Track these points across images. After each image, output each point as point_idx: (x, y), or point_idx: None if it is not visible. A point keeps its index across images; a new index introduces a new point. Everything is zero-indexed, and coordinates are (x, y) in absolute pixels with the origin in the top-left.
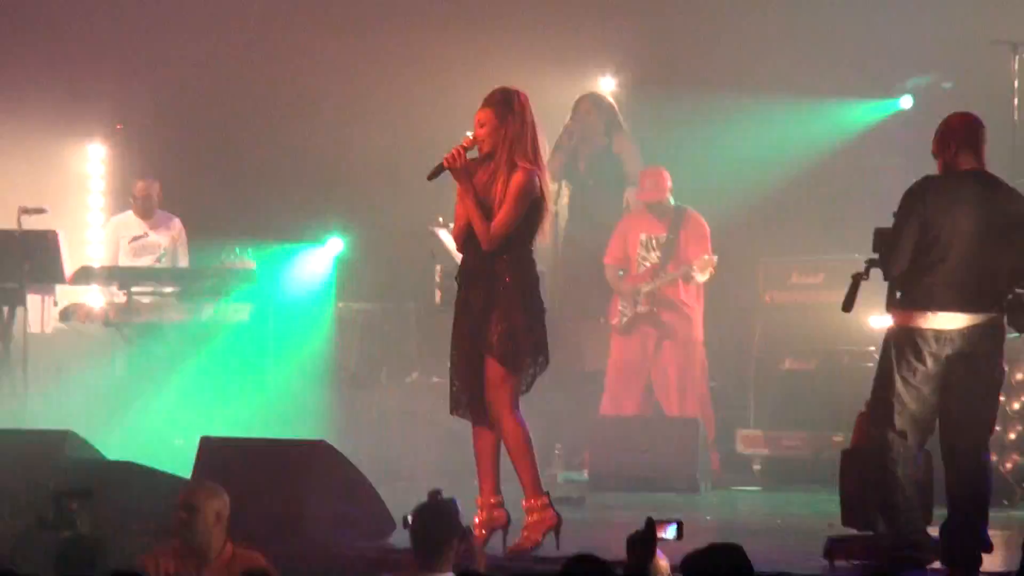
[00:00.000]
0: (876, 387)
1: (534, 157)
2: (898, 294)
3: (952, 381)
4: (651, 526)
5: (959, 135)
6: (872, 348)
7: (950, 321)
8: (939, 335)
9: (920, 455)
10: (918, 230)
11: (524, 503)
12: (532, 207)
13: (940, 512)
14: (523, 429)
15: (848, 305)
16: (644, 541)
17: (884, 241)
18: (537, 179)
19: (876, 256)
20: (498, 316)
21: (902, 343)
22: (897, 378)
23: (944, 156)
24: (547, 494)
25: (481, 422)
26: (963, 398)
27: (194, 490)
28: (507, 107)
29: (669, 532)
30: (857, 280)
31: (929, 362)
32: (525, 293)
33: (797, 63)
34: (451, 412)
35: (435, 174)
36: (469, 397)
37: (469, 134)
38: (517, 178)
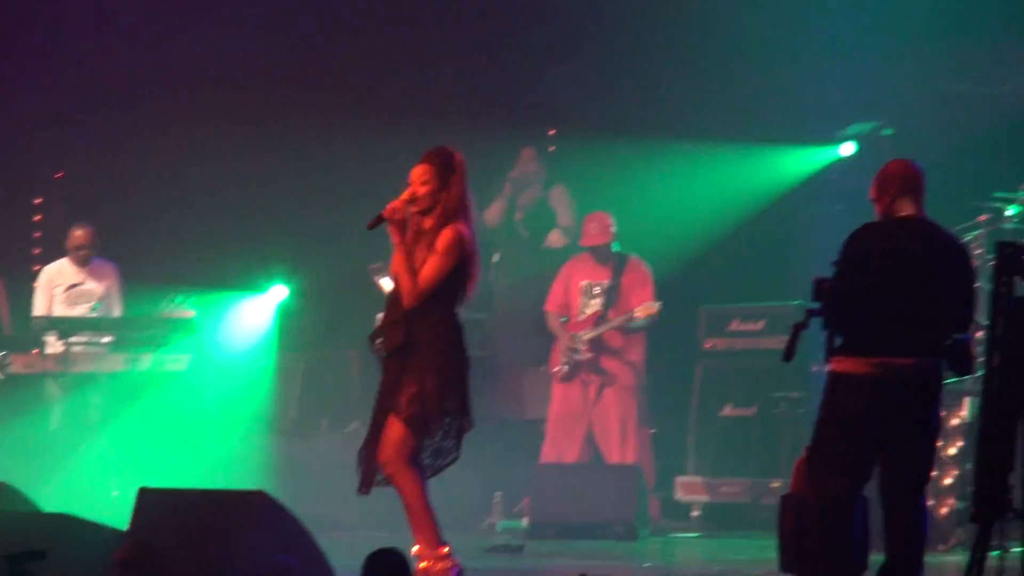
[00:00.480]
0: (816, 434)
1: (466, 217)
2: (836, 340)
3: (891, 427)
4: None
5: (897, 182)
6: (804, 395)
7: (888, 367)
8: (877, 380)
9: (859, 502)
10: (857, 277)
11: (422, 551)
12: (460, 265)
13: (876, 558)
14: (421, 481)
15: (789, 354)
16: None
17: (822, 290)
18: (465, 239)
19: (815, 305)
20: (409, 378)
21: (841, 389)
22: (836, 424)
23: (882, 202)
24: (447, 543)
25: (367, 485)
26: (901, 444)
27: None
28: (449, 169)
29: None
30: (797, 329)
31: (868, 408)
32: (442, 354)
33: (739, 109)
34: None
35: (375, 224)
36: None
37: (411, 191)
38: (446, 234)
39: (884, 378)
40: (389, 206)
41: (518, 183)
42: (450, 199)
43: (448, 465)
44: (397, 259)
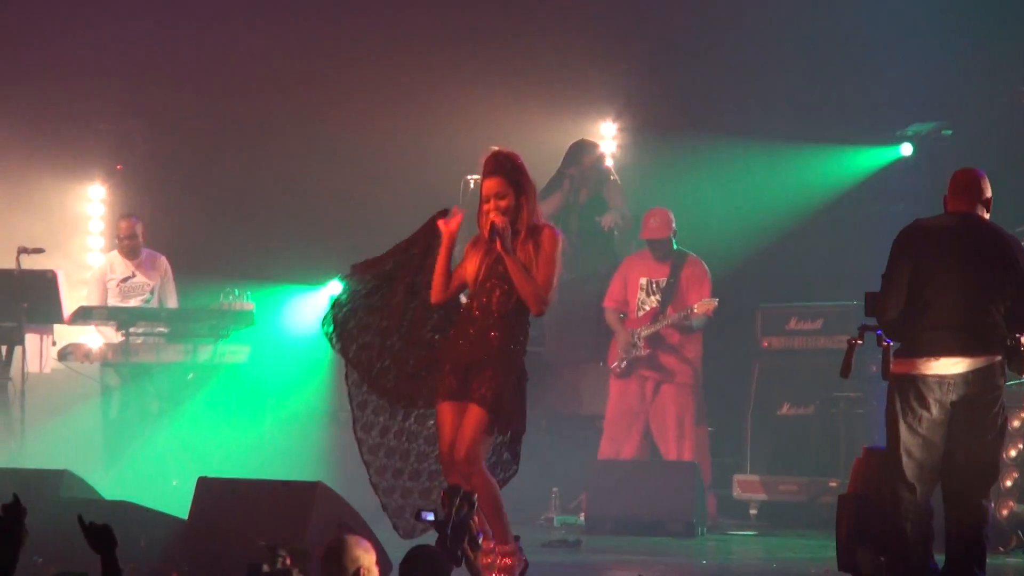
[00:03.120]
0: (889, 437)
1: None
2: (884, 342)
3: (956, 427)
4: None
5: (955, 184)
6: (862, 395)
7: (951, 366)
8: (942, 381)
9: (928, 507)
10: (909, 276)
11: (496, 546)
12: None
13: (938, 558)
14: (495, 484)
15: (846, 371)
16: None
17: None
18: (561, 239)
19: (869, 321)
20: (493, 373)
21: (906, 392)
22: (903, 427)
23: (945, 205)
24: (517, 537)
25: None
26: (966, 444)
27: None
28: (519, 174)
29: None
30: (852, 346)
31: (934, 409)
32: (517, 359)
33: (797, 109)
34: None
35: (492, 238)
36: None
37: (493, 208)
38: (549, 237)
39: (947, 377)
40: (494, 221)
41: (577, 180)
42: (527, 204)
43: (509, 479)
44: (514, 270)
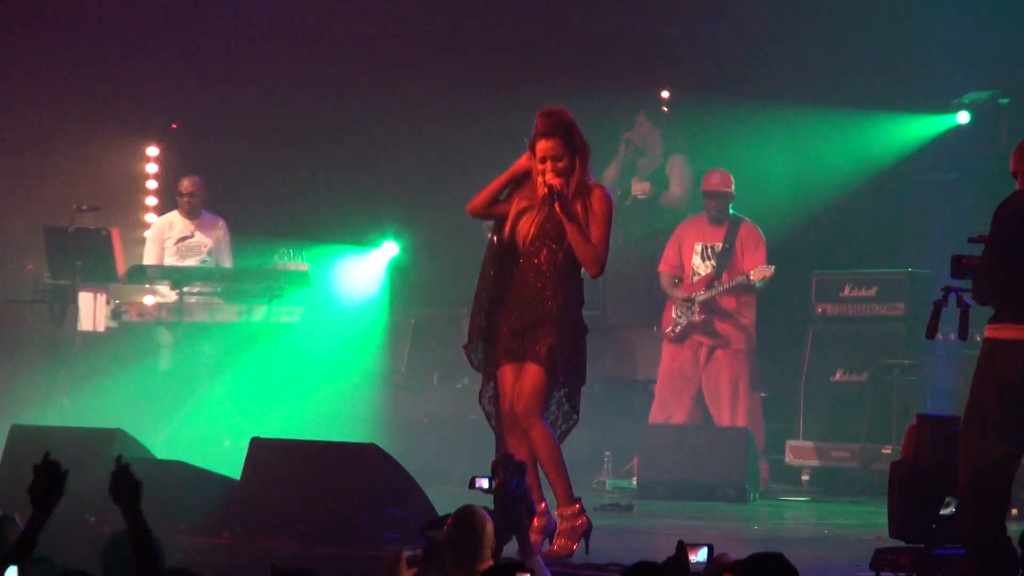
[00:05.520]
0: (972, 400)
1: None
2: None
3: None
4: (682, 549)
5: None
6: (916, 362)
7: None
8: None
9: (1014, 470)
10: (1012, 245)
11: (558, 510)
12: None
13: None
14: (554, 436)
15: (931, 332)
16: (675, 562)
17: (963, 266)
18: (613, 199)
19: (953, 282)
20: (548, 331)
21: (1001, 356)
22: (995, 391)
23: None
24: (579, 500)
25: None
26: None
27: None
28: (572, 132)
29: (700, 555)
30: (938, 308)
31: None
32: (573, 316)
33: (854, 76)
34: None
35: (552, 201)
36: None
37: (551, 170)
38: (600, 197)
39: None
40: (552, 183)
41: (632, 145)
42: (581, 162)
43: (570, 430)
44: (572, 235)
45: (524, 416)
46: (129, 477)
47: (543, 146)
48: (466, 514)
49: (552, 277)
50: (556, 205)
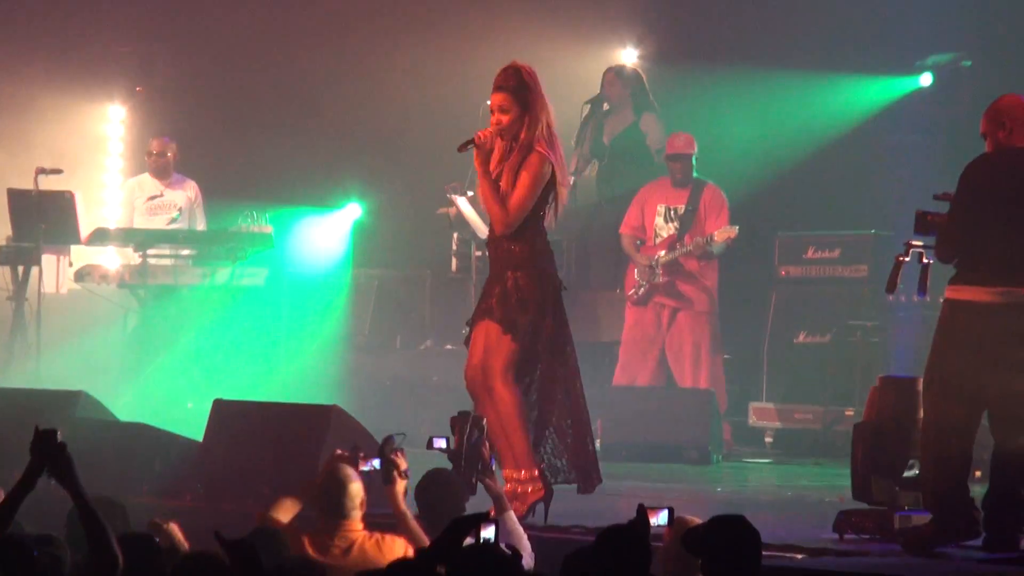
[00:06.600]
0: (932, 361)
1: (548, 135)
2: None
3: (1010, 355)
4: (643, 513)
5: (1015, 113)
6: (879, 323)
7: (1010, 295)
8: (999, 308)
9: (974, 431)
10: (978, 206)
11: (512, 473)
12: (545, 189)
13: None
14: (517, 397)
15: (891, 287)
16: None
17: (927, 222)
18: (550, 163)
19: (916, 238)
20: (501, 283)
21: (960, 317)
22: (955, 352)
23: (998, 135)
24: (539, 466)
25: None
26: (1019, 372)
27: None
28: (526, 90)
29: (661, 518)
30: (899, 263)
31: (988, 335)
32: (529, 265)
33: (816, 38)
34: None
35: (465, 147)
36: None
37: (495, 121)
38: (533, 161)
39: (1006, 306)
40: (480, 133)
41: (604, 104)
42: (530, 121)
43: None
44: (483, 188)
45: (480, 371)
46: (50, 444)
47: (493, 99)
48: (332, 473)
49: (504, 233)
50: (469, 151)
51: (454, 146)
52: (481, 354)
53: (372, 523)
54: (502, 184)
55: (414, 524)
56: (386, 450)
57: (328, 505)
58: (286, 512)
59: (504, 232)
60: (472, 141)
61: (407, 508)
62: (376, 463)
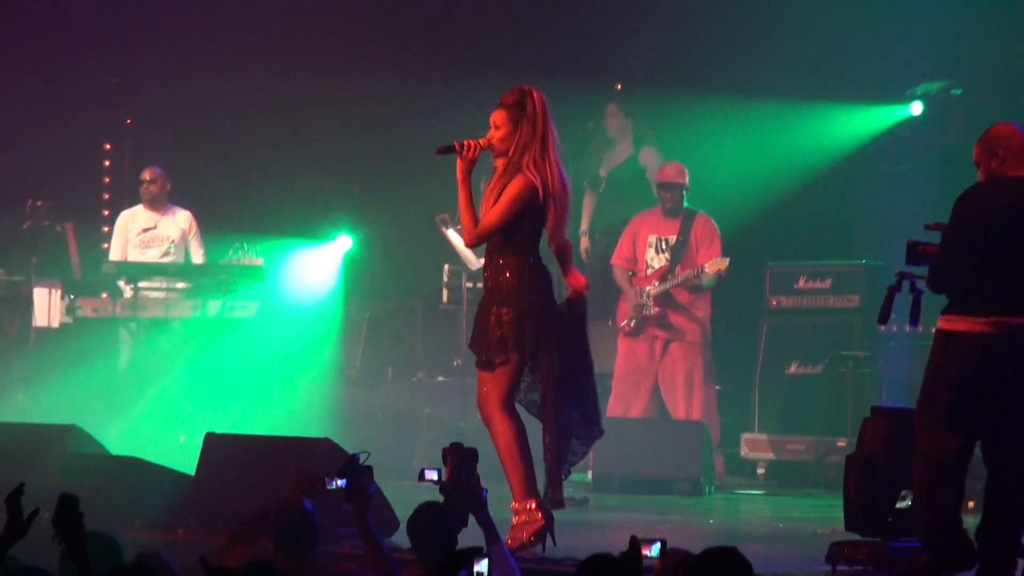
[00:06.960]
0: (924, 392)
1: (542, 160)
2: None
3: (1004, 386)
4: (635, 545)
5: (1008, 142)
6: (871, 354)
7: (1003, 326)
8: (993, 339)
9: (967, 462)
10: (972, 236)
11: (512, 504)
12: (529, 211)
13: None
14: (513, 428)
15: (883, 317)
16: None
17: (918, 252)
18: (536, 186)
19: (908, 268)
20: (494, 311)
21: (954, 348)
22: (948, 383)
23: (991, 164)
24: (538, 497)
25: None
26: (1013, 404)
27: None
28: (520, 110)
29: (653, 550)
30: (891, 293)
31: (981, 367)
32: (523, 291)
33: (806, 67)
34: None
35: (444, 151)
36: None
37: (488, 136)
38: (515, 183)
39: (999, 337)
40: (466, 141)
41: (601, 137)
42: (520, 141)
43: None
44: (460, 199)
45: (480, 409)
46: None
47: (492, 115)
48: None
49: (497, 259)
50: (438, 150)
51: (445, 179)
52: (481, 386)
53: (341, 555)
54: (489, 201)
55: (379, 546)
56: (350, 470)
57: (286, 539)
58: (236, 558)
59: (468, 243)
60: (452, 147)
61: (373, 528)
62: (341, 483)
